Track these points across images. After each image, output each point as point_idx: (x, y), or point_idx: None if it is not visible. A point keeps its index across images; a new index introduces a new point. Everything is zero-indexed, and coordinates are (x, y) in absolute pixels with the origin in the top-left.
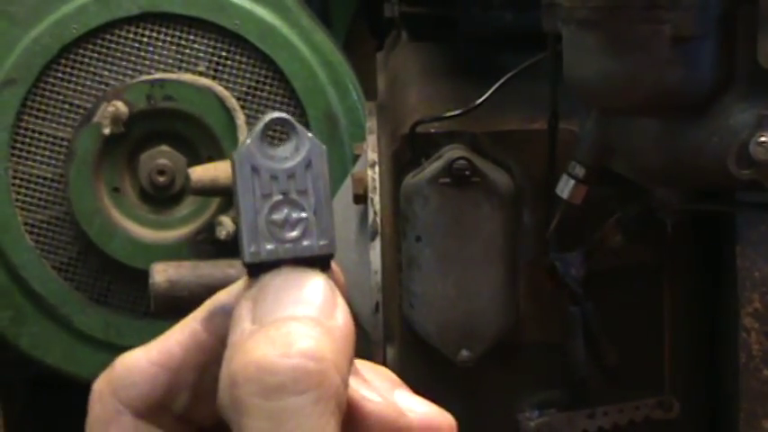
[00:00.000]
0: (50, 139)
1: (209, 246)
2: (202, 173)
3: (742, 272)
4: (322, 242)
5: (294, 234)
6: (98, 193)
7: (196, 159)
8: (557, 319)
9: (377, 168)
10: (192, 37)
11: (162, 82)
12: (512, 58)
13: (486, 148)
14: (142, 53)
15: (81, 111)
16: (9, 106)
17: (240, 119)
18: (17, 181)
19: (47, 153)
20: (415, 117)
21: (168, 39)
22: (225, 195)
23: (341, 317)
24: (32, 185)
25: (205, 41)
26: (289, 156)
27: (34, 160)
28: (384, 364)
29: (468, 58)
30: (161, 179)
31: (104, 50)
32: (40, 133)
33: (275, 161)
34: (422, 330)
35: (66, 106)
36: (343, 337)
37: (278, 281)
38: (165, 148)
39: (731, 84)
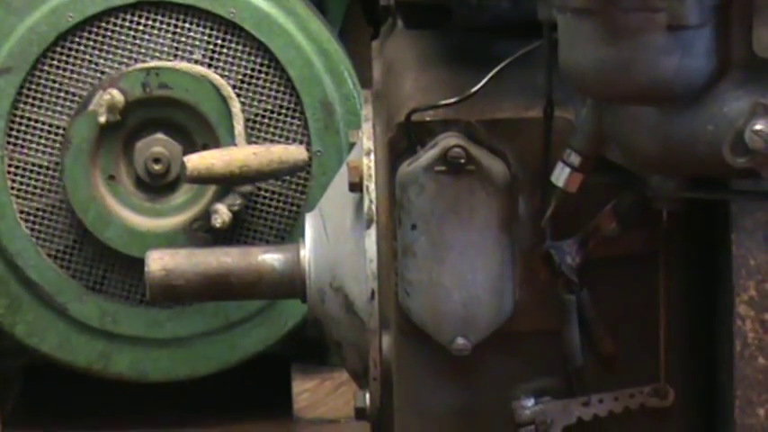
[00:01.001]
0: (46, 127)
1: (205, 233)
2: (198, 161)
3: (737, 260)
4: None
5: None
6: (94, 181)
7: (191, 147)
8: (552, 307)
9: (372, 156)
10: (187, 25)
11: (157, 70)
12: (507, 46)
13: (482, 136)
14: (138, 41)
15: (77, 99)
16: (5, 94)
17: (235, 107)
18: (12, 169)
19: (42, 141)
20: (411, 105)
21: (164, 27)
22: (220, 183)
23: None
24: (28, 173)
25: (201, 29)
26: None
27: (30, 148)
28: (380, 352)
29: (463, 46)
30: (156, 167)
31: (100, 38)
32: (36, 121)
33: None
34: (417, 318)
35: (62, 94)
36: None
37: None
38: (160, 136)
39: (726, 72)
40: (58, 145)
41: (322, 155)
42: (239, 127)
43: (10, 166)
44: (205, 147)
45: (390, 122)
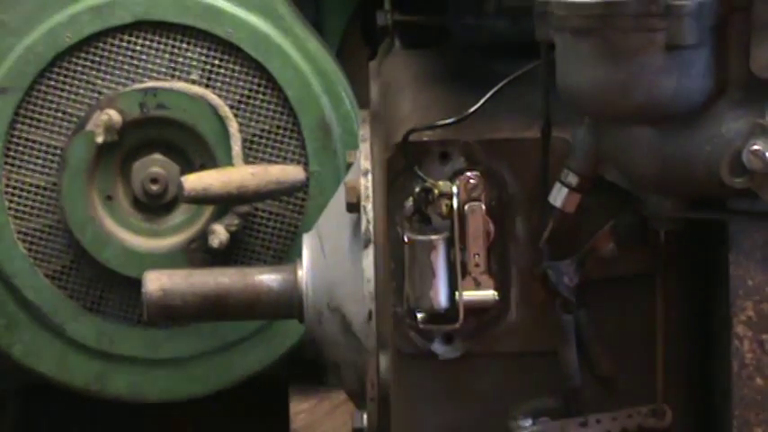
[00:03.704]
0: (43, 148)
1: (203, 254)
2: (195, 181)
3: (735, 280)
4: None
5: None
6: (91, 201)
7: (189, 168)
8: (550, 327)
9: (370, 176)
10: (184, 45)
11: (155, 90)
12: (505, 66)
13: (479, 156)
14: (135, 61)
15: (74, 119)
16: (2, 115)
17: (233, 127)
18: (10, 189)
19: (40, 161)
20: (408, 125)
21: (161, 47)
22: (217, 203)
23: None
24: (25, 194)
25: (198, 50)
26: None
27: (27, 169)
28: (377, 372)
29: (461, 65)
30: (154, 187)
31: (97, 59)
32: (34, 142)
33: None
34: None
35: (60, 115)
36: None
37: None
38: (157, 156)
39: (724, 92)
40: (55, 165)
41: (319, 175)
42: (237, 147)
43: (7, 186)
44: (203, 167)
45: (388, 143)
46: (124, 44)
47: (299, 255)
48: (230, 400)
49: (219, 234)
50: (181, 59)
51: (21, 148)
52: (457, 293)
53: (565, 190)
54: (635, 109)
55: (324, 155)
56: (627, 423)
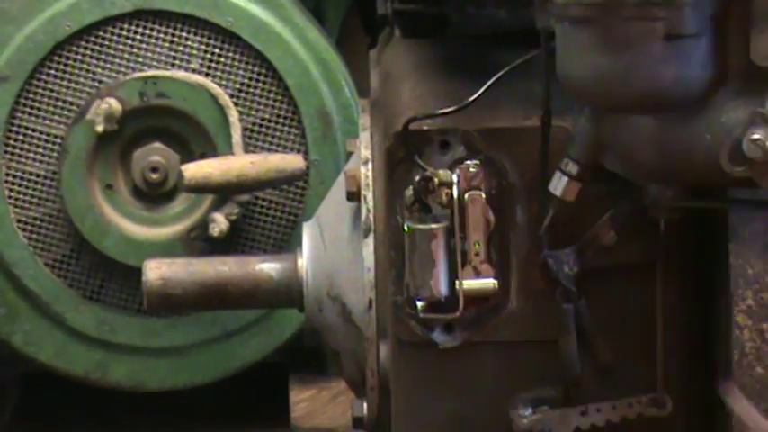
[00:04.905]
0: (44, 137)
1: (202, 243)
2: (195, 170)
3: (735, 269)
4: None
5: None
6: (91, 190)
7: (189, 156)
8: (550, 316)
9: (370, 165)
10: (185, 34)
11: (155, 79)
12: (505, 55)
13: (479, 145)
14: (135, 50)
15: (74, 108)
16: (2, 103)
17: (233, 116)
18: (10, 178)
19: (40, 150)
20: (408, 114)
21: (161, 36)
22: (217, 192)
23: None
24: (26, 182)
25: (198, 38)
26: None
27: (27, 157)
28: (377, 361)
29: (461, 55)
30: (154, 176)
31: (98, 47)
32: (34, 130)
33: None
34: None
35: (60, 103)
36: None
37: None
38: (157, 145)
39: (724, 81)
40: (55, 154)
41: (319, 164)
42: (237, 136)
43: (8, 175)
44: (203, 156)
45: (388, 132)
46: (124, 33)
47: (299, 243)
48: (230, 389)
49: (219, 223)
50: (181, 48)
51: (21, 137)
52: (457, 282)
53: (565, 179)
54: (635, 98)
55: (324, 144)
56: (627, 412)
